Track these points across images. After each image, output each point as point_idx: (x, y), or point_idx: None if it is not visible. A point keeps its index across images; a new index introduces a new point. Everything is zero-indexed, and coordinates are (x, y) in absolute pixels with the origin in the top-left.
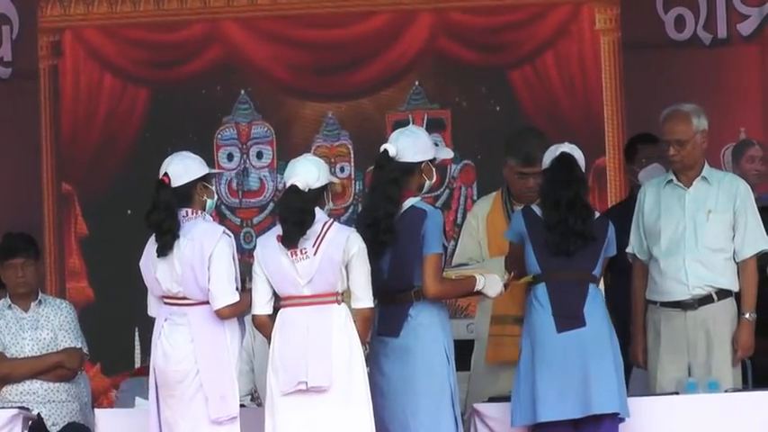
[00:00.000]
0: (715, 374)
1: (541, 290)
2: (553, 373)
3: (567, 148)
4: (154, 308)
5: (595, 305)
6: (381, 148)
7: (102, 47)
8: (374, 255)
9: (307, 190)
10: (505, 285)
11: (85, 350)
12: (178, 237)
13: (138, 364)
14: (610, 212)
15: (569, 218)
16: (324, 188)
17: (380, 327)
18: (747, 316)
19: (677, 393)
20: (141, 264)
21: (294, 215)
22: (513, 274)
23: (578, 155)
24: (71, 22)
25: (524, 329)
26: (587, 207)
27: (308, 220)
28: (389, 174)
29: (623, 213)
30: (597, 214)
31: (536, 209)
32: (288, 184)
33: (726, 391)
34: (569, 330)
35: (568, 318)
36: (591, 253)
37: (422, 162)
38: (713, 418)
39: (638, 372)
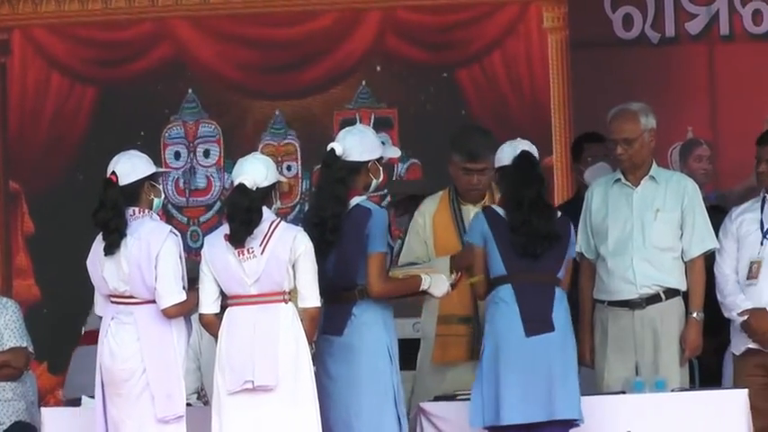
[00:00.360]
0: (662, 374)
1: (507, 291)
2: (519, 377)
3: (526, 145)
4: (101, 306)
5: (561, 309)
6: (328, 147)
7: (50, 45)
8: (320, 254)
9: (254, 189)
10: (452, 285)
11: (31, 349)
12: (125, 235)
13: None
14: (560, 208)
15: (533, 218)
16: (272, 187)
17: (325, 325)
18: (695, 315)
19: (624, 393)
20: (88, 262)
21: (241, 214)
22: (460, 273)
23: (535, 152)
24: (20, 21)
25: (487, 330)
26: (550, 206)
27: (256, 218)
28: (336, 173)
29: (570, 213)
30: (559, 214)
31: (497, 209)
32: (235, 183)
33: (673, 391)
34: (538, 335)
35: (537, 322)
36: (556, 254)
37: (369, 161)
38: (660, 417)
39: (585, 371)
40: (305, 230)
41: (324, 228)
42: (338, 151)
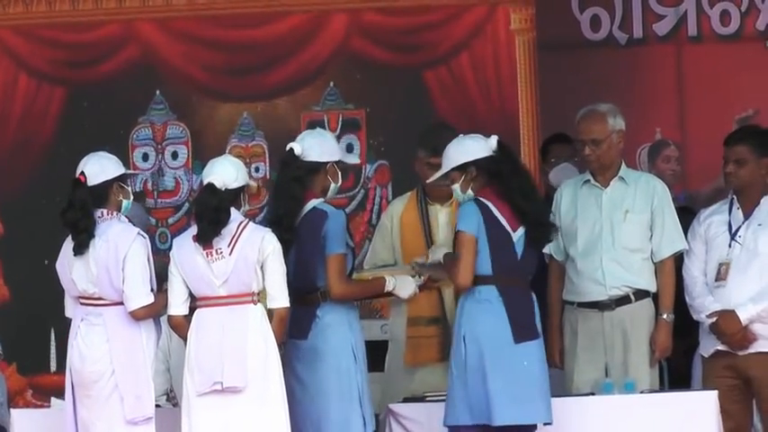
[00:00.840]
0: (632, 375)
1: (492, 293)
2: (508, 380)
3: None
4: (70, 308)
5: (538, 314)
6: (287, 147)
7: (17, 47)
8: None
9: (223, 189)
10: (420, 287)
11: (0, 350)
12: (94, 236)
13: (53, 364)
14: None
15: (542, 205)
16: (241, 189)
17: (291, 329)
18: (665, 316)
19: (593, 394)
20: (57, 264)
21: (209, 213)
22: (428, 276)
23: None
24: None
25: (467, 330)
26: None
27: (224, 218)
28: (294, 172)
29: None
30: None
31: (488, 203)
32: (204, 183)
33: (642, 392)
34: (526, 341)
35: (524, 328)
36: (533, 256)
37: (327, 163)
38: (629, 418)
39: (554, 372)
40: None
41: (280, 226)
42: (297, 151)
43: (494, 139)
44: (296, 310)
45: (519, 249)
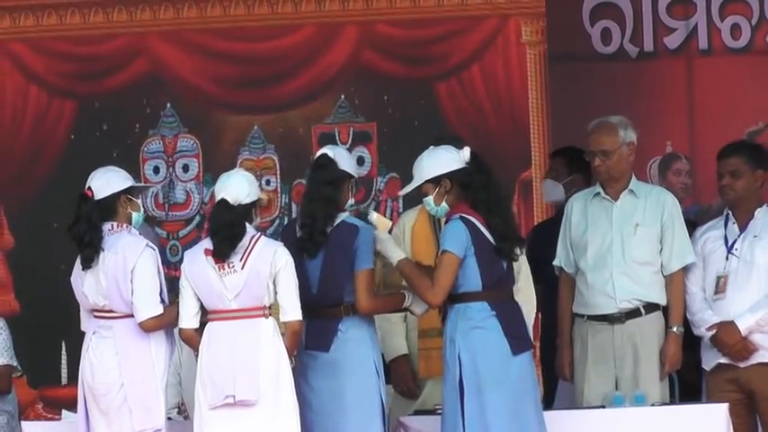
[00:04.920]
0: (642, 388)
1: (484, 308)
2: (508, 397)
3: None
4: (86, 322)
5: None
6: (319, 152)
7: (28, 60)
8: (308, 255)
9: (236, 204)
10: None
11: (18, 366)
12: (102, 249)
13: (64, 377)
14: (541, 226)
15: (508, 219)
16: (253, 204)
17: (309, 341)
18: (675, 329)
19: (603, 407)
20: (72, 278)
21: (225, 229)
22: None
23: None
24: None
25: (461, 347)
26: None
27: (239, 233)
28: (329, 175)
29: (554, 228)
30: None
31: (473, 219)
32: (217, 198)
33: (653, 405)
34: (522, 353)
35: (520, 339)
36: (511, 267)
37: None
38: (639, 431)
39: (564, 385)
40: (292, 231)
41: (314, 228)
42: (331, 155)
43: (467, 151)
44: (316, 322)
45: (504, 261)
